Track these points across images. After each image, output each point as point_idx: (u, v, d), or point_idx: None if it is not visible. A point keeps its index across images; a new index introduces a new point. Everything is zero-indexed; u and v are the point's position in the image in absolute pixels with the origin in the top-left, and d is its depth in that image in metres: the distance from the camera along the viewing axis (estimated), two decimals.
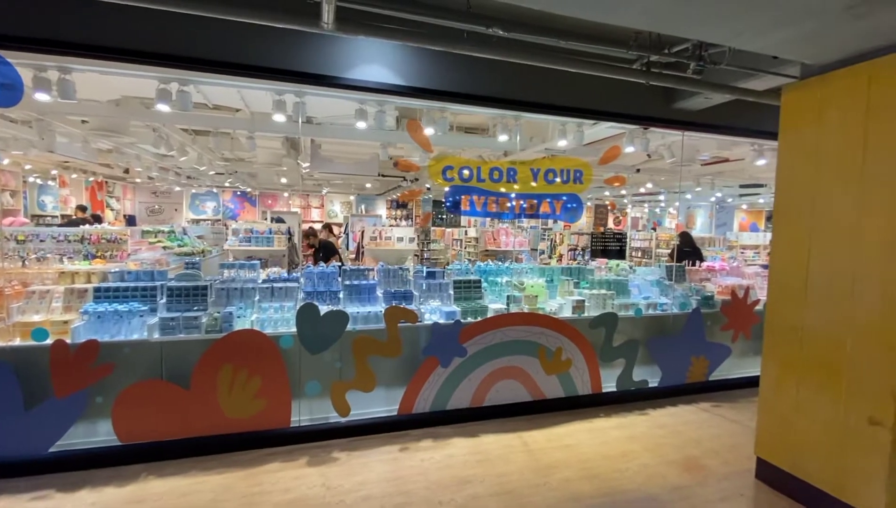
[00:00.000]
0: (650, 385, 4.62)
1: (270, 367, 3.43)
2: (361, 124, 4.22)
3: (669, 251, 8.02)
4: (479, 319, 4.03)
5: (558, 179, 4.19)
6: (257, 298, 3.79)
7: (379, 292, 4.14)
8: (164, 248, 7.61)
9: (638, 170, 9.06)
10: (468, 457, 3.37)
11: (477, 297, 4.29)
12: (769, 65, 3.39)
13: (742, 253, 10.63)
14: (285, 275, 4.38)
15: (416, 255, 11.17)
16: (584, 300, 4.43)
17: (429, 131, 4.29)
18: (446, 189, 4.00)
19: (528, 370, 4.15)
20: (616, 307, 4.58)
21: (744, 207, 15.48)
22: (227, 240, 7.97)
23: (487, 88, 3.85)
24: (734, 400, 4.60)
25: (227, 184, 13.74)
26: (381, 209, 16.59)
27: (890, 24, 2.26)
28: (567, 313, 4.42)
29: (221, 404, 3.33)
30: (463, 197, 4.07)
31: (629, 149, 5.13)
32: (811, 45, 2.55)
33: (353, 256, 8.88)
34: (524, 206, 4.22)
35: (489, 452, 3.45)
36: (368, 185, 11.83)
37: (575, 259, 9.77)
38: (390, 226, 11.30)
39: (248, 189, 15.48)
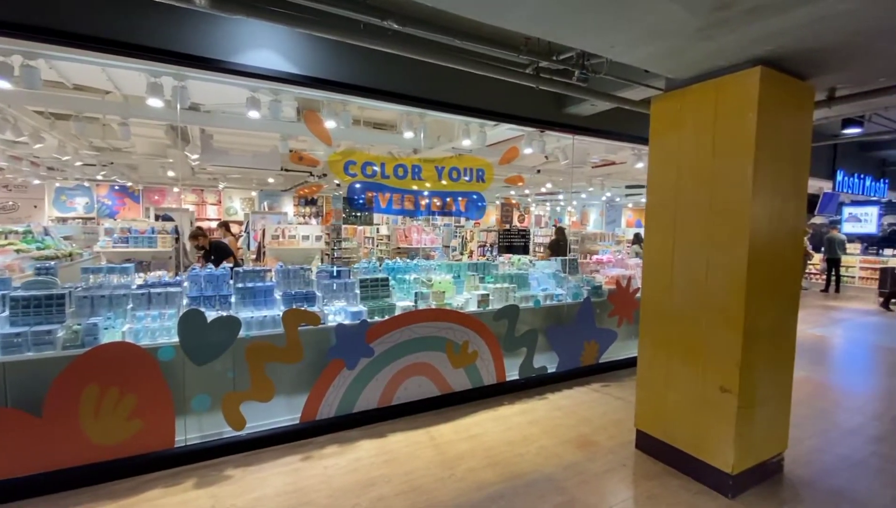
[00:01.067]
0: (549, 371, 4.93)
1: (147, 383, 3.05)
2: (254, 114, 3.92)
3: (548, 244, 9.13)
4: (387, 317, 3.98)
5: (463, 178, 4.28)
6: (130, 306, 3.36)
7: (277, 295, 3.90)
8: (18, 251, 6.46)
9: (538, 171, 9.64)
10: (375, 459, 3.31)
11: (384, 295, 4.24)
12: (642, 77, 3.79)
13: (628, 247, 11.84)
14: (166, 279, 3.93)
15: (326, 254, 10.77)
16: (488, 294, 4.59)
17: (331, 124, 4.13)
18: (356, 186, 3.88)
19: (437, 366, 4.20)
20: (517, 300, 4.82)
21: (630, 205, 17.25)
22: (98, 241, 6.96)
23: (389, 84, 3.80)
24: (621, 379, 5.10)
25: (100, 177, 12.03)
26: (288, 206, 15.71)
27: (731, 47, 2.63)
28: (473, 307, 4.54)
29: (86, 429, 2.89)
30: (370, 194, 3.97)
31: (527, 150, 5.42)
32: (671, 60, 2.88)
33: (256, 256, 8.29)
34: (434, 203, 4.25)
35: (396, 451, 3.43)
36: (271, 180, 11.09)
37: (484, 255, 10.11)
38: (298, 224, 10.74)
39: (129, 183, 13.70)
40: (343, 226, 11.93)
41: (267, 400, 3.46)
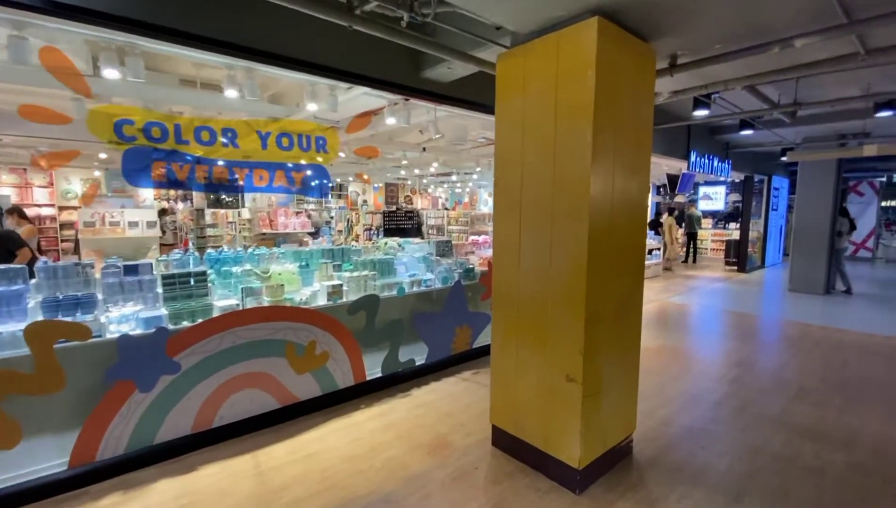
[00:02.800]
0: (418, 363, 4.52)
1: None
2: None
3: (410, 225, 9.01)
4: (200, 322, 3.20)
5: (298, 146, 3.57)
6: None
7: (32, 302, 2.90)
8: None
9: (424, 149, 9.16)
10: (171, 504, 2.59)
11: (200, 294, 3.42)
12: (495, 35, 3.38)
13: None
14: None
15: (186, 243, 9.34)
16: (341, 285, 3.99)
17: (111, 74, 3.14)
18: (135, 152, 2.93)
19: (274, 373, 3.53)
20: (379, 288, 4.30)
21: None
22: None
23: (190, 23, 2.93)
24: None
25: None
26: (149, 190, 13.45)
27: None
28: (322, 301, 3.92)
29: None
30: (160, 165, 3.07)
31: (390, 120, 4.85)
32: (510, 3, 2.47)
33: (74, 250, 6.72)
34: (256, 178, 3.46)
35: (204, 489, 2.73)
36: (103, 155, 9.11)
37: (370, 239, 9.47)
38: (123, 208, 8.98)
39: None
40: (212, 210, 10.48)
41: (11, 447, 2.53)
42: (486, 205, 16.26)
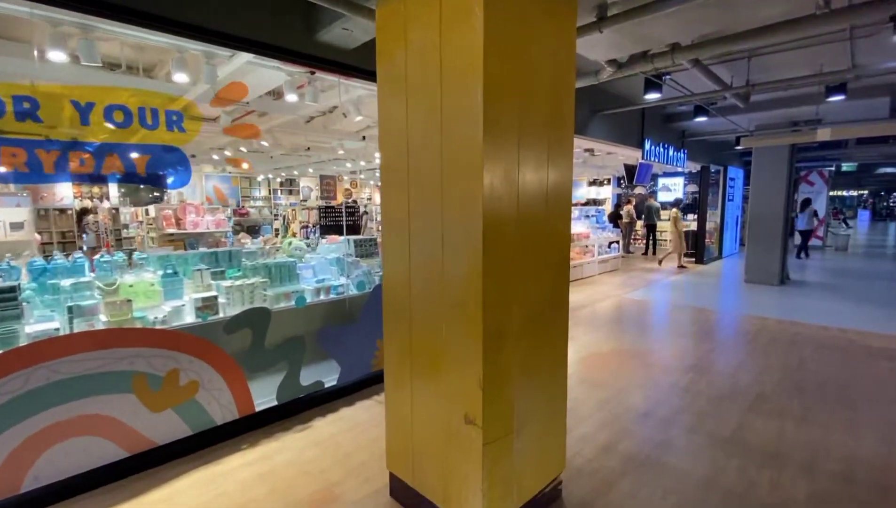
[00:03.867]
0: (328, 386, 3.82)
1: None
2: None
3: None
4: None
5: (139, 122, 2.79)
6: None
7: None
8: None
9: (364, 137, 8.42)
10: None
11: (8, 316, 2.61)
12: None
13: None
14: None
15: (108, 246, 8.29)
16: (216, 296, 3.24)
17: None
18: None
19: (116, 414, 2.76)
20: (272, 299, 3.57)
21: None
22: None
23: None
24: None
25: None
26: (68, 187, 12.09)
27: None
28: (189, 319, 3.17)
29: None
30: None
31: (291, 98, 4.11)
32: None
33: None
34: (74, 162, 2.64)
35: None
36: None
37: (308, 237, 8.67)
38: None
39: None
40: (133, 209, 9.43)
41: None
42: None
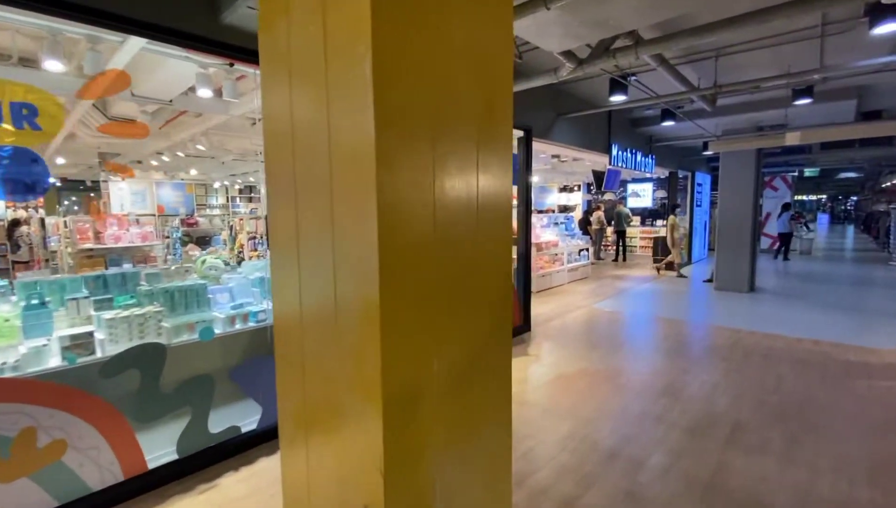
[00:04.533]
0: (245, 431, 3.23)
1: None
2: None
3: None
4: None
5: None
6: None
7: None
8: None
9: None
10: None
11: None
12: None
13: None
14: None
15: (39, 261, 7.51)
16: (90, 333, 2.62)
17: None
18: None
19: None
20: (173, 330, 2.97)
21: None
22: None
23: None
24: None
25: None
26: None
27: None
28: (55, 362, 2.54)
29: None
30: None
31: (205, 93, 3.54)
32: None
33: None
34: None
35: None
36: None
37: (256, 249, 8.00)
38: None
39: None
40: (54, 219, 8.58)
41: None
42: None
